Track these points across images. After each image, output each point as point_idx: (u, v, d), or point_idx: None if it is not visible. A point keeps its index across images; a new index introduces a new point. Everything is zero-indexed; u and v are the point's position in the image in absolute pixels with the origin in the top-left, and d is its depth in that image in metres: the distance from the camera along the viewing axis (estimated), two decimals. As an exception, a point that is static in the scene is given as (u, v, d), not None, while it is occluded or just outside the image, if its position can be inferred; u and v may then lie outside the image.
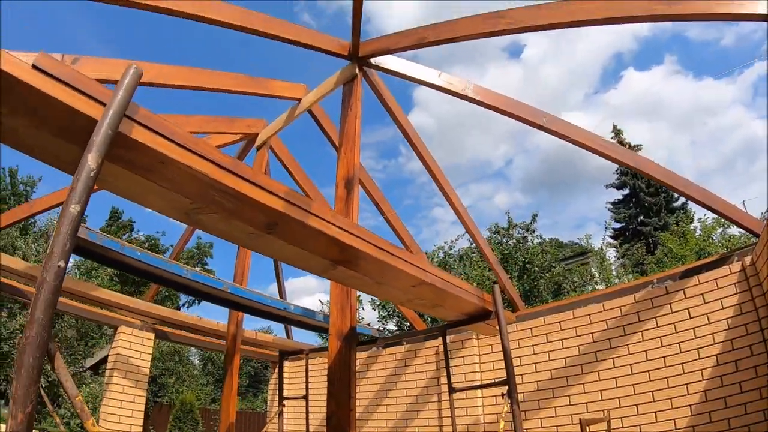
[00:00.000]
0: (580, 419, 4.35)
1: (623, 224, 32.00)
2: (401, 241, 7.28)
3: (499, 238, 16.33)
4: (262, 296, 5.60)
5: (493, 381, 5.47)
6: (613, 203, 33.00)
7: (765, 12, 3.31)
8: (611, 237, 32.35)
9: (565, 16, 4.14)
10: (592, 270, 16.52)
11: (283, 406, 7.05)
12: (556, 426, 5.61)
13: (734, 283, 4.81)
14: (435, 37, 4.85)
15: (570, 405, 5.58)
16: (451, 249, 17.10)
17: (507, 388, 4.26)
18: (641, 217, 30.85)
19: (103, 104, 1.98)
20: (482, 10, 4.60)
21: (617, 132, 32.44)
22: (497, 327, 4.50)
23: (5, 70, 1.78)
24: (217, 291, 4.97)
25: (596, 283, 15.03)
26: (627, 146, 31.88)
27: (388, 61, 5.47)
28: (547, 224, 78.73)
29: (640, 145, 31.80)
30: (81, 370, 13.49)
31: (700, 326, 4.90)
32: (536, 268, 13.75)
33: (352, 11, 4.78)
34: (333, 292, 4.19)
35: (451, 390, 4.99)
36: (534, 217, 16.42)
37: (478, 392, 6.28)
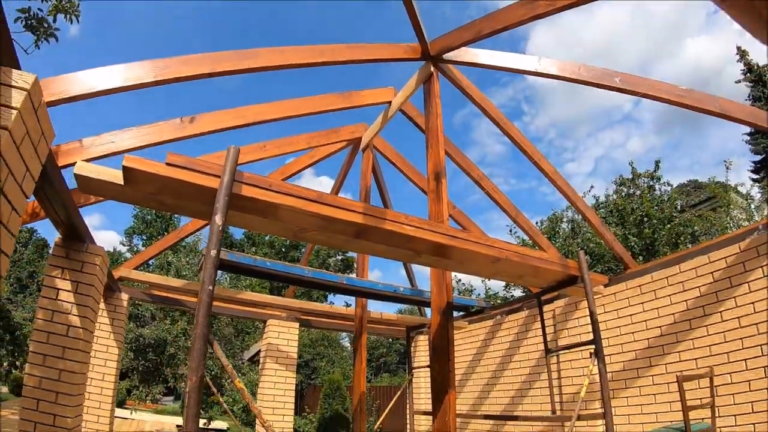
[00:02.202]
0: (677, 376, 4.41)
1: (763, 155, 29.45)
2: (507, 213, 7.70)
3: (625, 189, 15.73)
4: (374, 283, 6.40)
5: (579, 342, 5.63)
6: (749, 134, 29.95)
7: None
8: (751, 171, 30.12)
9: None
10: (733, 212, 15.29)
11: (412, 375, 7.88)
12: (667, 383, 5.63)
13: None
14: (490, 29, 5.10)
15: (680, 362, 5.53)
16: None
17: (594, 348, 4.68)
18: (789, 143, 27.42)
19: (218, 177, 2.83)
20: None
21: (742, 53, 29.70)
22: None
23: (148, 171, 2.69)
24: (334, 283, 5.87)
25: (718, 231, 13.92)
26: (755, 68, 29.36)
27: (460, 54, 5.79)
28: (686, 164, 73.66)
29: (769, 64, 29.09)
30: (240, 362, 15.26)
31: None
32: (654, 221, 13.23)
33: (409, 17, 5.17)
34: (431, 273, 4.82)
35: (548, 351, 5.46)
36: (657, 164, 15.82)
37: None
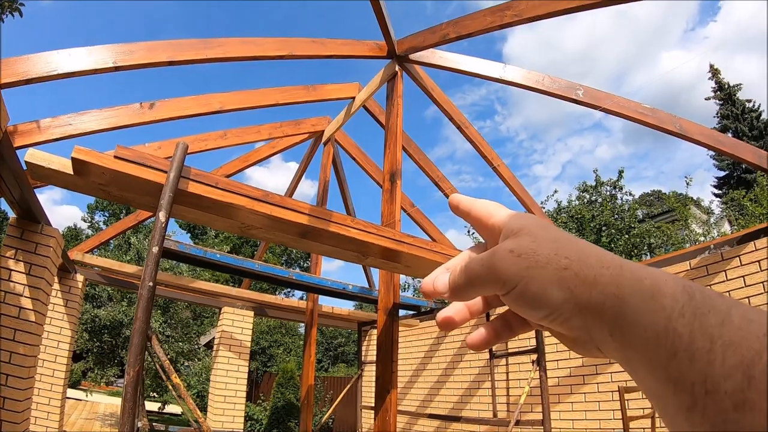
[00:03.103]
0: (618, 386, 4.53)
1: (727, 172, 30.35)
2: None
3: (588, 196, 16.01)
4: (323, 279, 6.44)
5: (519, 349, 5.71)
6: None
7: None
8: (714, 186, 30.95)
9: (562, 2, 4.30)
10: (693, 226, 15.61)
11: (362, 370, 7.94)
12: (611, 392, 5.75)
13: (793, 251, 4.48)
14: (455, 34, 5.14)
15: (622, 371, 5.62)
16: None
17: (536, 356, 4.79)
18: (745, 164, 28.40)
19: (166, 172, 2.83)
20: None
21: (714, 72, 30.73)
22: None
23: (97, 164, 2.66)
24: (284, 278, 5.89)
25: (673, 244, 14.19)
26: (725, 86, 30.25)
27: (426, 56, 5.80)
28: (651, 174, 75.32)
29: (740, 84, 30.00)
30: (196, 347, 15.16)
31: (756, 295, 4.73)
32: (613, 230, 13.47)
33: (376, 16, 5.11)
34: (380, 274, 4.85)
35: (492, 356, 5.56)
36: (620, 174, 16.12)
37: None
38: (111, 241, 14.66)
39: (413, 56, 5.82)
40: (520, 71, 5.61)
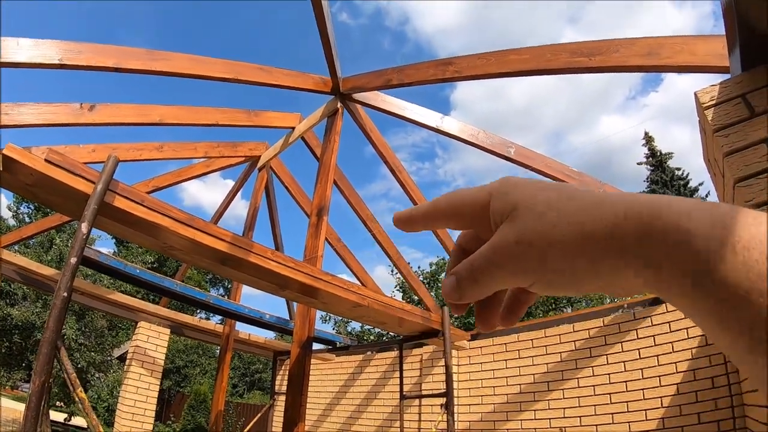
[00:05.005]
0: None
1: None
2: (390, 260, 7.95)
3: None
4: (241, 306, 6.45)
5: (431, 392, 5.80)
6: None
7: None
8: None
9: (500, 66, 4.48)
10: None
11: (274, 400, 7.86)
12: None
13: (702, 314, 4.80)
14: (398, 81, 5.35)
15: (535, 419, 5.78)
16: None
17: (445, 400, 4.90)
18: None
19: (93, 182, 2.84)
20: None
21: (648, 139, 32.20)
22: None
23: (26, 164, 2.67)
24: (201, 300, 5.88)
25: (591, 299, 14.68)
26: (658, 153, 31.80)
27: (369, 97, 5.96)
28: (579, 230, 78.63)
29: (671, 153, 31.58)
30: (109, 358, 14.62)
31: (664, 354, 4.94)
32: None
33: (324, 53, 5.31)
34: (298, 307, 4.91)
35: (402, 397, 5.63)
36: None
37: (456, 400, 6.54)
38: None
39: (356, 96, 5.97)
40: (457, 124, 5.80)
